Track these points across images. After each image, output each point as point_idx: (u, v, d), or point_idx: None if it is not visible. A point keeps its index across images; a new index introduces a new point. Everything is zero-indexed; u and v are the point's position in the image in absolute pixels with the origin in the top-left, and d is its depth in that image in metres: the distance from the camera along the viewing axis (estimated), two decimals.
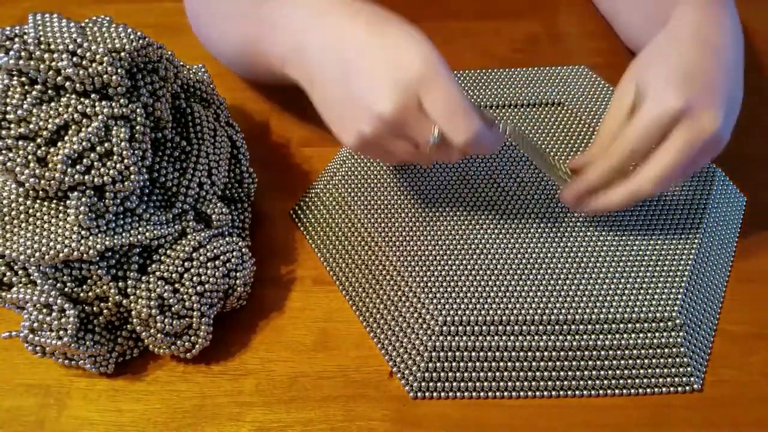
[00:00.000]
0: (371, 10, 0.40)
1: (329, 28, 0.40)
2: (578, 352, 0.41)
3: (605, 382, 0.41)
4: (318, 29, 0.40)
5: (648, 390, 0.41)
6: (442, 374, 0.41)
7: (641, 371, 0.41)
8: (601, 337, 0.41)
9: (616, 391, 0.41)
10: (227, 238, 0.43)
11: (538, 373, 0.41)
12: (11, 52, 0.37)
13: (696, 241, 0.46)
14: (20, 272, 0.40)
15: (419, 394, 0.41)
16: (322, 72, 0.40)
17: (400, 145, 0.39)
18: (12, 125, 0.37)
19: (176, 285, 0.40)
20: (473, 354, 0.41)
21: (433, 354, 0.41)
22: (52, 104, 0.38)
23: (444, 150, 0.39)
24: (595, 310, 0.42)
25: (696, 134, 0.39)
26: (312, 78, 0.41)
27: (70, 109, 0.38)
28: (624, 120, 0.41)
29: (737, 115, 0.42)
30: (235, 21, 0.48)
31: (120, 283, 0.40)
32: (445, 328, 0.41)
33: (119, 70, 0.38)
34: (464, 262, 0.44)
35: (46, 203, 0.39)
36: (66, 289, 0.39)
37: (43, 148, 0.37)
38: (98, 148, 0.38)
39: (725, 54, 0.42)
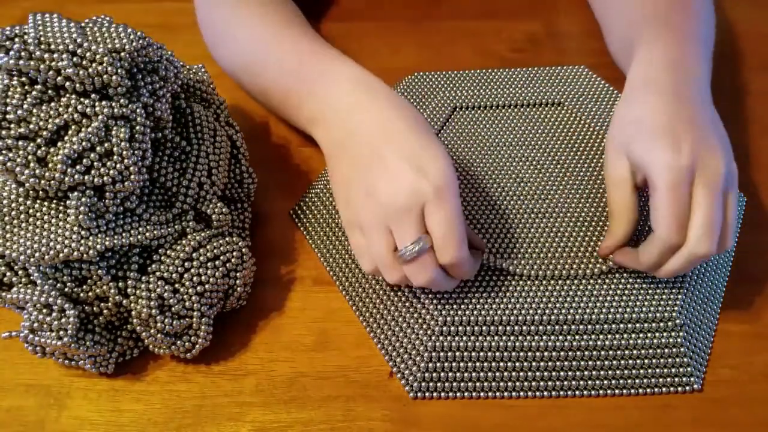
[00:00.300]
0: (412, 108, 0.43)
1: (375, 112, 0.42)
2: (578, 352, 0.41)
3: (605, 382, 0.41)
4: (361, 108, 0.43)
5: (648, 390, 0.41)
6: (442, 374, 0.41)
7: (641, 371, 0.41)
8: (601, 337, 0.41)
9: (616, 391, 0.41)
10: (227, 238, 0.43)
11: (538, 373, 0.41)
12: (11, 52, 0.37)
13: None
14: (20, 272, 0.40)
15: (419, 394, 0.41)
16: (350, 148, 0.42)
17: (383, 241, 0.39)
18: (12, 125, 0.37)
19: (176, 285, 0.40)
20: (473, 354, 0.41)
21: (433, 354, 0.41)
22: (52, 104, 0.38)
23: (415, 267, 0.39)
24: (595, 310, 0.42)
25: (713, 178, 0.39)
26: (335, 151, 0.43)
27: (70, 109, 0.38)
28: (631, 194, 0.42)
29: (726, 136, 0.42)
30: (265, 62, 0.49)
31: (120, 283, 0.40)
32: (445, 328, 0.41)
33: (119, 71, 0.38)
34: None
35: (46, 203, 0.39)
36: (66, 289, 0.39)
37: (43, 148, 0.37)
38: (98, 148, 0.38)
39: (694, 88, 0.43)
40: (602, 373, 0.41)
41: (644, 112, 0.42)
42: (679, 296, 0.43)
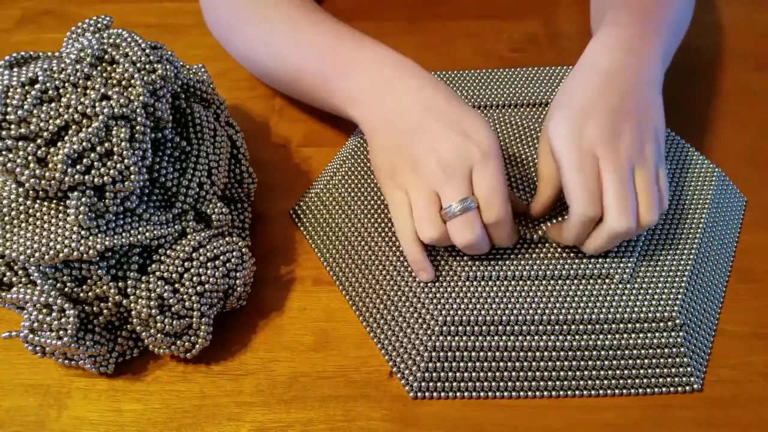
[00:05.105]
0: (447, 86, 0.45)
1: (415, 90, 0.44)
2: (578, 352, 0.41)
3: (605, 382, 0.41)
4: (402, 86, 0.44)
5: (648, 390, 0.41)
6: (442, 374, 0.41)
7: (641, 371, 0.41)
8: (601, 337, 0.41)
9: (616, 391, 0.41)
10: (227, 238, 0.43)
11: (538, 373, 0.41)
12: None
13: (696, 241, 0.46)
14: (20, 272, 0.40)
15: (419, 394, 0.41)
16: (393, 123, 0.43)
17: (430, 200, 0.41)
18: (12, 126, 0.37)
19: (176, 285, 0.40)
20: (473, 354, 0.41)
21: (433, 354, 0.41)
22: (53, 104, 0.38)
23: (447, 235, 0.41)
24: (595, 310, 0.42)
25: (617, 159, 0.40)
26: (378, 126, 0.45)
27: (70, 110, 0.38)
28: (552, 163, 0.43)
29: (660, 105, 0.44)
30: (296, 42, 0.50)
31: (120, 283, 0.40)
32: (445, 328, 0.41)
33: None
34: (464, 262, 0.44)
35: (46, 203, 0.39)
36: (66, 289, 0.39)
37: (43, 149, 0.37)
38: (98, 148, 0.38)
39: (640, 72, 0.44)
40: (602, 373, 0.41)
41: (572, 88, 0.43)
42: (679, 296, 0.43)
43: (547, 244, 0.46)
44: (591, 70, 0.44)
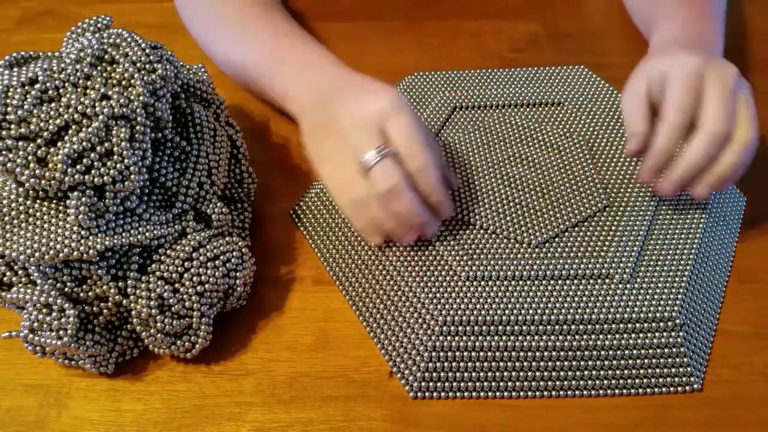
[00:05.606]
0: (387, 89, 0.45)
1: (329, 74, 0.47)
2: (578, 352, 0.41)
3: (605, 382, 0.41)
4: (329, 84, 0.46)
5: (648, 390, 0.41)
6: (442, 374, 0.41)
7: (641, 371, 0.41)
8: (601, 337, 0.41)
9: (616, 391, 0.41)
10: (227, 238, 0.43)
11: (538, 373, 0.41)
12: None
13: (696, 241, 0.46)
14: (20, 272, 0.40)
15: (419, 394, 0.41)
16: (318, 110, 0.45)
17: (349, 159, 0.42)
18: (12, 126, 0.37)
19: (176, 285, 0.40)
20: (473, 354, 0.41)
21: (433, 354, 0.41)
22: (53, 104, 0.38)
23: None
24: (595, 310, 0.42)
25: (723, 76, 0.43)
26: (307, 115, 0.47)
27: (70, 110, 0.38)
28: (645, 98, 0.45)
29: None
30: (242, 39, 0.53)
31: (120, 283, 0.40)
32: (445, 328, 0.41)
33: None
34: (464, 261, 0.44)
35: (46, 203, 0.39)
36: (66, 289, 0.39)
37: (43, 149, 0.37)
38: (98, 148, 0.38)
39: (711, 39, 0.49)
40: (602, 373, 0.41)
41: (662, 48, 0.48)
42: (679, 296, 0.43)
43: (546, 244, 0.46)
44: (677, 48, 0.46)
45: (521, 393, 0.41)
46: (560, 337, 0.41)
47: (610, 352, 0.41)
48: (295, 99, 0.48)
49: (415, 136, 0.41)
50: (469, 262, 0.44)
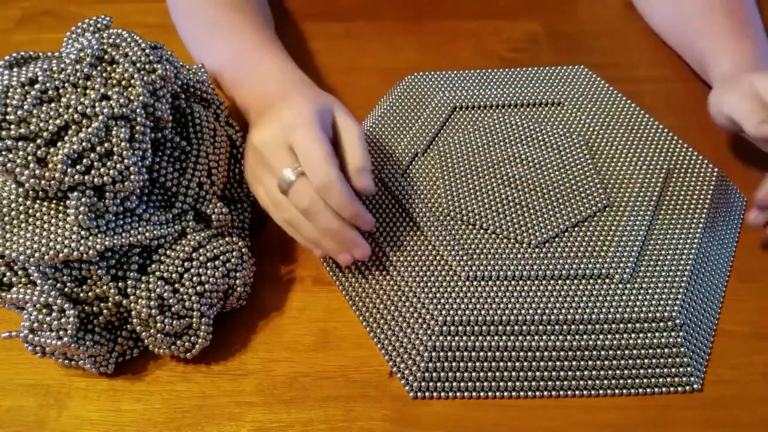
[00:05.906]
0: (299, 78, 0.48)
1: (290, 105, 0.45)
2: (578, 352, 0.41)
3: (605, 382, 0.41)
4: (281, 101, 0.45)
5: (648, 390, 0.41)
6: (442, 374, 0.41)
7: (641, 371, 0.41)
8: (601, 337, 0.41)
9: (616, 391, 0.41)
10: (227, 238, 0.43)
11: (538, 373, 0.41)
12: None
13: (696, 241, 0.46)
14: (20, 272, 0.40)
15: (419, 394, 0.41)
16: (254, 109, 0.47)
17: (270, 180, 0.43)
18: (12, 126, 0.37)
19: (176, 285, 0.40)
20: (473, 354, 0.41)
21: (433, 354, 0.41)
22: (53, 105, 0.38)
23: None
24: (595, 310, 0.42)
25: None
26: (249, 110, 0.49)
27: (70, 110, 0.38)
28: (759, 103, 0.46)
29: None
30: (209, 44, 0.54)
31: (120, 283, 0.40)
32: (445, 328, 0.41)
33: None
34: (464, 262, 0.44)
35: (46, 203, 0.39)
36: (66, 289, 0.39)
37: (43, 149, 0.37)
38: (98, 148, 0.38)
39: None
40: (602, 373, 0.41)
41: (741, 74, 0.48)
42: (679, 296, 0.43)
43: (546, 244, 0.46)
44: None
45: (521, 393, 0.41)
46: (560, 337, 0.41)
47: (610, 352, 0.41)
48: (252, 119, 0.48)
49: (311, 153, 0.40)
50: (469, 262, 0.44)
